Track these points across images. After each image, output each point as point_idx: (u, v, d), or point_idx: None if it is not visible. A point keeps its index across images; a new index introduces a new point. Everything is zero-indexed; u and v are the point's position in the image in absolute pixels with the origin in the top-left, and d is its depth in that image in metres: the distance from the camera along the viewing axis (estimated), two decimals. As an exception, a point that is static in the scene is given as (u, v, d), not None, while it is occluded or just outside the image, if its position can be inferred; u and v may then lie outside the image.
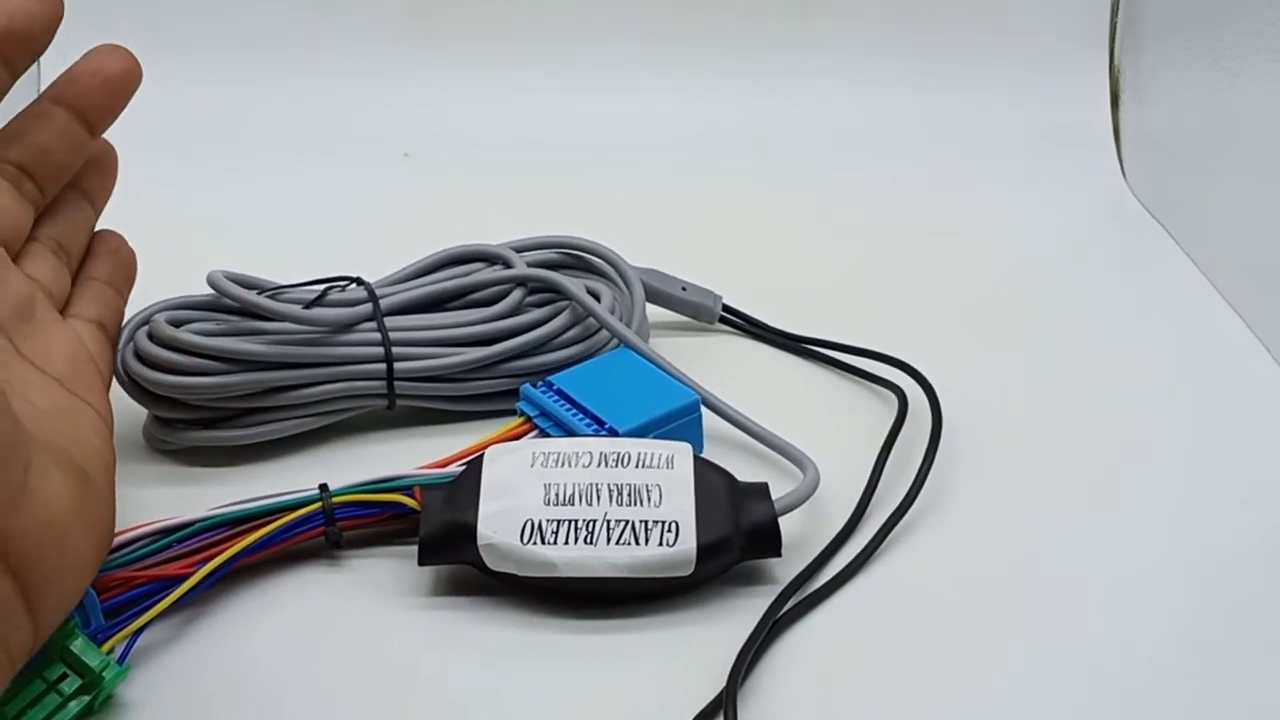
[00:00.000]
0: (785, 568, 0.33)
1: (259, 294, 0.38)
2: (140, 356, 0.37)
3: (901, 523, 0.35)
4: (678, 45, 0.66)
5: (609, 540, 0.31)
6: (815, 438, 0.37)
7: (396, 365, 0.39)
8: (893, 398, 0.41)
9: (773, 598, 0.32)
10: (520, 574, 0.31)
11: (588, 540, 0.31)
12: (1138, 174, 0.62)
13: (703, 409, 0.38)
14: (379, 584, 0.33)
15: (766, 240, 0.55)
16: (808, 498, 0.34)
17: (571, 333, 0.41)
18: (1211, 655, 0.31)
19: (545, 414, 0.37)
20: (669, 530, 0.31)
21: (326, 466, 0.38)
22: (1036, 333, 0.47)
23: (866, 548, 0.34)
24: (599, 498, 0.32)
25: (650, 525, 0.31)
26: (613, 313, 0.41)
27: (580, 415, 0.37)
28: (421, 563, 0.32)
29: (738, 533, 0.32)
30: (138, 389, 0.38)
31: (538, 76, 0.66)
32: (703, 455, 0.34)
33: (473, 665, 0.31)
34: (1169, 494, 0.37)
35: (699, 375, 0.39)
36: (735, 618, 0.32)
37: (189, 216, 0.56)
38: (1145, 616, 0.32)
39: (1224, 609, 0.33)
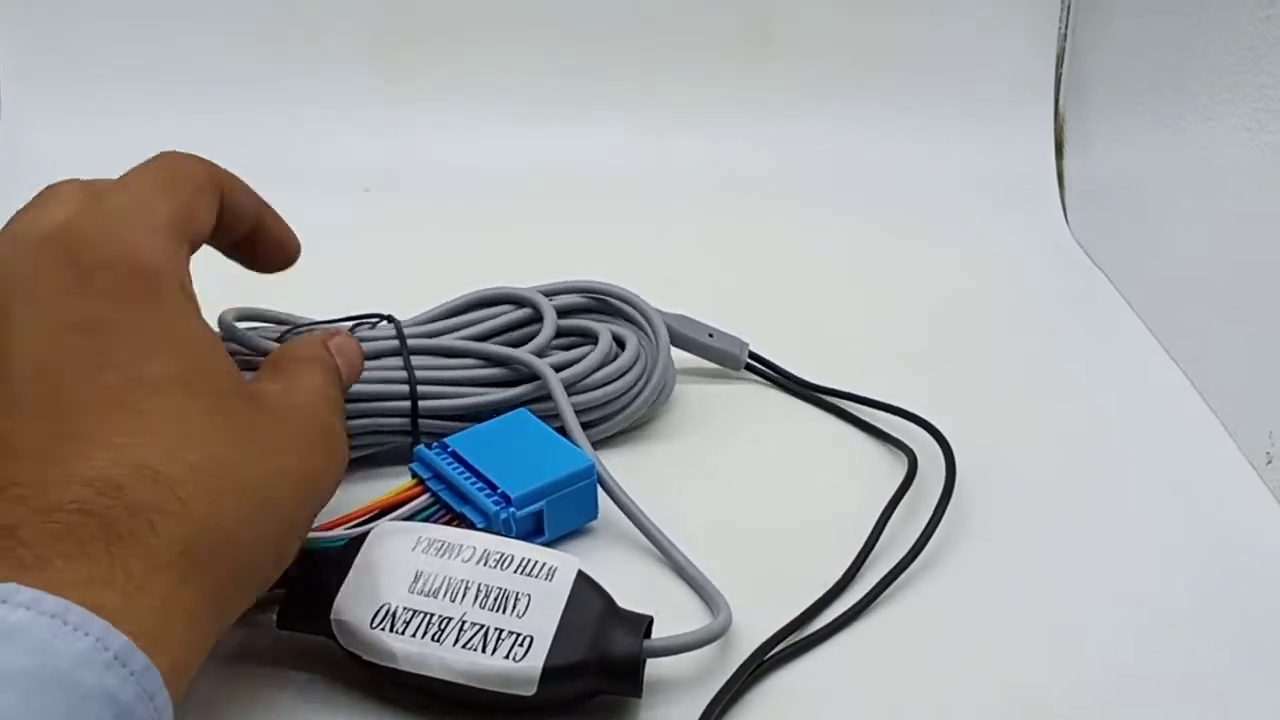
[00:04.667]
0: (766, 625, 0.33)
1: (282, 333, 0.40)
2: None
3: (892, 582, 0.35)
4: (640, 82, 0.67)
5: (456, 642, 0.29)
6: (819, 492, 0.38)
7: (421, 404, 0.39)
8: (904, 456, 0.41)
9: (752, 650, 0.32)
10: (364, 658, 0.30)
11: (436, 638, 0.29)
12: (1080, 221, 0.63)
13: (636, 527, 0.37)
14: (233, 647, 0.32)
15: (716, 278, 0.56)
16: (706, 642, 0.31)
17: (598, 374, 0.41)
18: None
19: (438, 476, 0.37)
20: (520, 644, 0.29)
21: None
22: (980, 383, 0.48)
23: (856, 604, 0.34)
24: (464, 596, 0.30)
25: (504, 635, 0.29)
26: (637, 359, 0.42)
27: (473, 479, 0.36)
28: (280, 626, 0.31)
29: (595, 662, 0.30)
30: None
31: (499, 113, 0.66)
32: (586, 573, 0.32)
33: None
34: (1114, 544, 0.38)
35: (717, 423, 0.40)
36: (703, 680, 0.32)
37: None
38: (1095, 675, 0.33)
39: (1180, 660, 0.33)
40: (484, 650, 0.29)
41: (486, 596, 0.30)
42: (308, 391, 0.31)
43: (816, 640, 0.33)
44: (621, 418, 0.42)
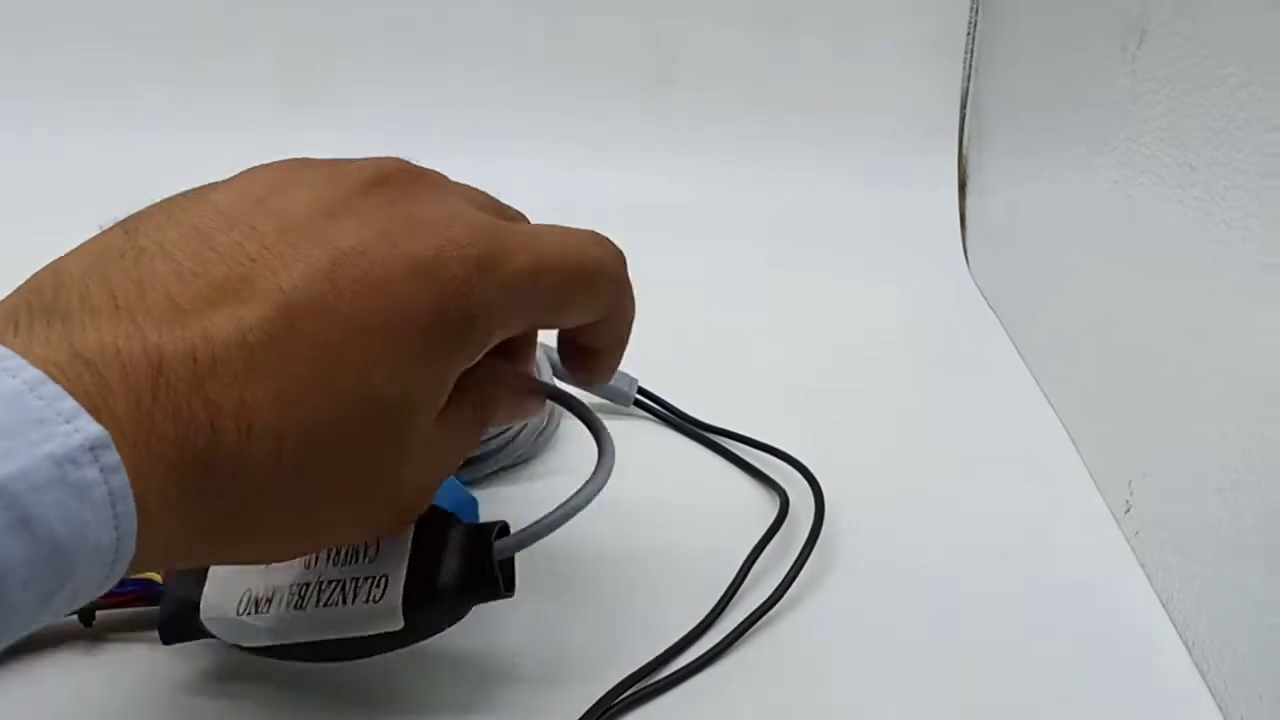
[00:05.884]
0: (625, 666, 0.33)
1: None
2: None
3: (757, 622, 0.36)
4: (545, 115, 0.68)
5: (318, 603, 0.30)
6: (694, 532, 0.39)
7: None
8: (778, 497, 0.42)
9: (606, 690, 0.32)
10: (244, 644, 0.31)
11: (298, 605, 0.30)
12: (979, 262, 0.64)
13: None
14: (132, 667, 0.33)
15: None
16: (558, 524, 0.31)
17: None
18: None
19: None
20: (376, 585, 0.30)
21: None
22: (862, 422, 0.49)
23: (712, 649, 0.35)
24: (317, 560, 0.31)
25: (360, 581, 0.30)
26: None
27: None
28: (165, 641, 0.32)
29: (453, 577, 0.30)
30: None
31: (403, 143, 0.66)
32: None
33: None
34: (970, 587, 0.39)
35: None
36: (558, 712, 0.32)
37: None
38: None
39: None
40: (344, 602, 0.30)
41: (338, 553, 0.31)
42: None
43: (668, 685, 0.34)
44: (502, 455, 0.43)
